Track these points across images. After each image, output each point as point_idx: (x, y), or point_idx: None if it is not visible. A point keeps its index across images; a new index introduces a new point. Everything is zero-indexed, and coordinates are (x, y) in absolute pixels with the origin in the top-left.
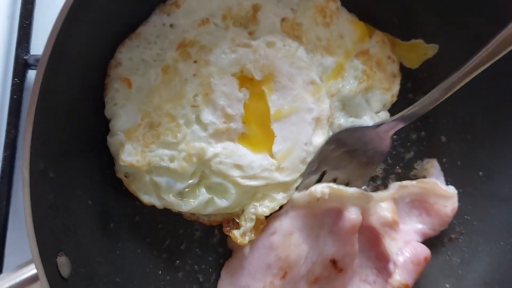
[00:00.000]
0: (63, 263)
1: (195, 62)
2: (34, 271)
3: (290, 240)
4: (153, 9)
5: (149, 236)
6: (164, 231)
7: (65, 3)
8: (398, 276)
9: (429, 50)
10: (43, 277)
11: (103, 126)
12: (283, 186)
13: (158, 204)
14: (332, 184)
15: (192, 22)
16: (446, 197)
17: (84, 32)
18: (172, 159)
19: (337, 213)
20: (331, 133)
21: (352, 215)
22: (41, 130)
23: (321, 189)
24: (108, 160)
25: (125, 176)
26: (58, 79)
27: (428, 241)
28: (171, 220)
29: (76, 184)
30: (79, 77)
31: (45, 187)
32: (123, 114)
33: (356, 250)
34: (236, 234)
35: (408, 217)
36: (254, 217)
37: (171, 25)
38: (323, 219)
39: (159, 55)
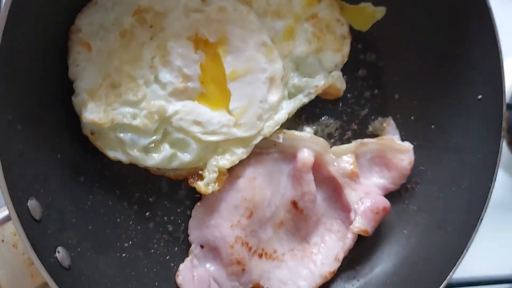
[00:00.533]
0: (35, 206)
1: (151, 26)
2: (6, 212)
3: (254, 183)
4: None
5: (119, 189)
6: (133, 185)
7: None
8: (358, 223)
9: (377, 13)
10: (14, 217)
11: (70, 86)
12: (242, 142)
13: (124, 159)
14: (285, 130)
15: None
16: (403, 152)
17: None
18: (134, 117)
19: (293, 157)
20: (286, 92)
21: (304, 154)
22: (7, 86)
23: (276, 133)
24: (75, 118)
25: (91, 133)
26: (19, 40)
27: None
28: (139, 175)
29: (45, 138)
30: (41, 40)
31: (13, 137)
32: (85, 75)
33: (313, 190)
34: (200, 185)
35: (369, 172)
36: (216, 169)
37: None
38: (282, 165)
39: (117, 20)
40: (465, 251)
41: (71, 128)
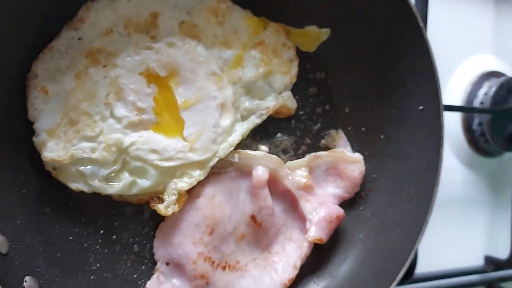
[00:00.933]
0: (1, 241)
1: (104, 66)
2: None
3: (213, 201)
4: (61, 26)
5: (84, 216)
6: (97, 212)
7: None
8: (312, 232)
9: (322, 34)
10: None
11: (30, 128)
12: (199, 165)
13: (86, 189)
14: (240, 150)
15: (97, 33)
16: (353, 163)
17: None
18: (93, 150)
19: (250, 174)
20: (238, 116)
21: (259, 172)
22: None
23: (232, 154)
24: (38, 155)
25: (53, 169)
26: None
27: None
28: (102, 202)
29: (9, 177)
30: (2, 90)
31: None
32: (44, 116)
33: (269, 204)
34: (160, 207)
35: (325, 183)
36: (175, 192)
37: (79, 38)
38: (240, 182)
39: (71, 64)
40: (413, 251)
41: (34, 165)
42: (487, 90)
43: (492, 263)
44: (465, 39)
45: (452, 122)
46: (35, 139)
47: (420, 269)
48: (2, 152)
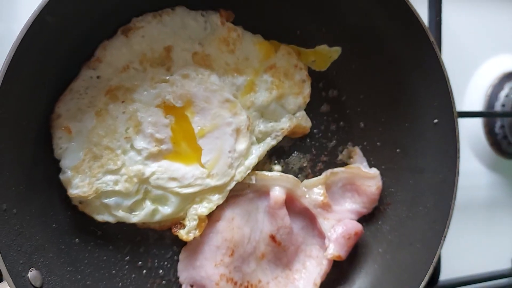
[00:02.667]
0: (35, 276)
1: (122, 102)
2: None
3: (232, 223)
4: (80, 67)
5: (111, 244)
6: (123, 239)
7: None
8: (331, 249)
9: (333, 53)
10: None
11: (57, 166)
12: (217, 189)
13: (111, 220)
14: (257, 172)
15: (114, 70)
16: (370, 178)
17: (22, 96)
18: (116, 183)
19: (266, 194)
20: (254, 139)
21: (276, 192)
22: None
23: (249, 176)
24: (65, 191)
25: (80, 203)
26: (6, 137)
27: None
28: (128, 230)
29: (40, 214)
30: (26, 131)
31: (10, 221)
32: (68, 154)
33: (287, 224)
34: (182, 233)
35: (342, 199)
36: (196, 217)
37: (97, 77)
38: (257, 203)
39: (91, 102)
40: (432, 265)
41: (62, 200)
42: (508, 91)
43: None
44: (485, 39)
45: (474, 126)
46: (61, 176)
47: (445, 276)
48: (32, 190)
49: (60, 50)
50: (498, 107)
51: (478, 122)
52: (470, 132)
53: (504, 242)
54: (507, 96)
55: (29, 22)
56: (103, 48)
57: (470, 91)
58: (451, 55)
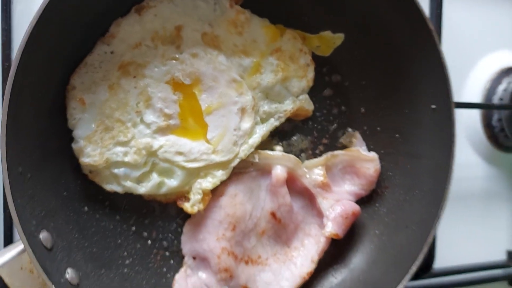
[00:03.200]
0: (46, 237)
1: (134, 77)
2: (22, 246)
3: (235, 199)
4: (95, 42)
5: (118, 214)
6: (130, 210)
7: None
8: (329, 227)
9: (336, 39)
10: (28, 249)
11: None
12: (221, 165)
13: (119, 190)
14: (260, 151)
15: (127, 47)
16: (369, 161)
17: (40, 68)
18: (125, 154)
19: (269, 173)
20: (258, 119)
21: (277, 171)
22: (16, 143)
23: (252, 154)
24: (77, 160)
25: (90, 172)
26: (24, 102)
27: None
28: (134, 202)
29: (52, 181)
30: (42, 100)
31: (24, 185)
32: (81, 125)
33: (288, 201)
34: (186, 206)
35: (342, 181)
36: (200, 191)
37: (111, 52)
38: (260, 181)
39: (105, 76)
40: (425, 246)
41: (73, 169)
42: (506, 86)
43: None
44: (485, 35)
45: (472, 118)
46: (74, 146)
47: (440, 264)
48: (46, 158)
49: (76, 26)
50: (496, 100)
51: (476, 114)
52: (468, 125)
53: (499, 234)
54: (505, 90)
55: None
56: (117, 25)
57: (469, 84)
58: (452, 48)
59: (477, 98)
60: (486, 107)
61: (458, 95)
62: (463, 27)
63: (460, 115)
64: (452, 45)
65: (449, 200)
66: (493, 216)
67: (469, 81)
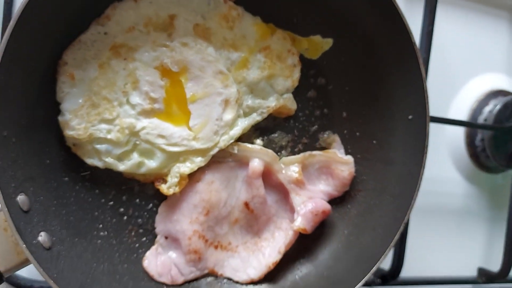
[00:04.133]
0: (24, 200)
1: (124, 59)
2: None
3: (211, 186)
4: (90, 22)
5: (98, 188)
6: (109, 186)
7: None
8: (298, 222)
9: (325, 43)
10: (4, 208)
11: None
12: (200, 152)
13: (100, 164)
14: (240, 143)
15: (121, 29)
16: (344, 164)
17: (33, 41)
18: (109, 132)
19: (246, 165)
20: (241, 112)
21: (254, 163)
22: (2, 109)
23: (232, 145)
24: (62, 132)
25: (73, 145)
26: (14, 72)
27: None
28: (115, 178)
29: (36, 149)
30: (33, 72)
31: (8, 147)
32: (69, 99)
33: (262, 194)
34: (163, 187)
35: (317, 180)
36: (178, 175)
37: (105, 33)
38: (237, 171)
39: (96, 55)
40: (388, 249)
41: (58, 140)
42: (492, 107)
43: (484, 275)
44: (478, 56)
45: (456, 136)
46: (60, 118)
47: (409, 273)
48: (32, 126)
49: (73, 5)
50: (481, 120)
51: (460, 132)
52: (452, 141)
53: (472, 251)
54: (490, 111)
55: None
56: (113, 8)
57: (457, 102)
58: (443, 65)
59: (463, 116)
60: (470, 125)
61: (445, 111)
62: (455, 46)
63: (445, 130)
64: (443, 62)
65: (426, 212)
66: (468, 233)
67: (458, 99)
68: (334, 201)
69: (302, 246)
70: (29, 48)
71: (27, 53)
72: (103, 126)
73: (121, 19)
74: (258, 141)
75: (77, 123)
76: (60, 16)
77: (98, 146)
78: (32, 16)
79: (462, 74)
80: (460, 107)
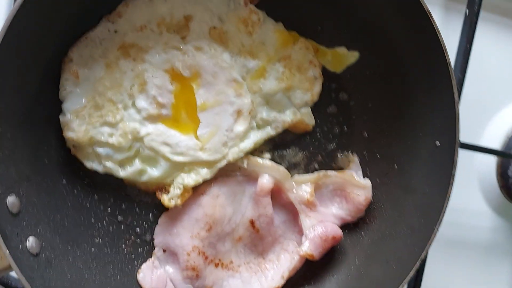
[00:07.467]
0: (13, 202)
1: (133, 59)
2: None
3: (216, 201)
4: (100, 18)
5: (96, 194)
6: (109, 192)
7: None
8: (305, 247)
9: (350, 57)
10: None
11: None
12: (207, 164)
13: (99, 169)
14: (250, 156)
15: (132, 28)
16: (361, 188)
17: (36, 32)
18: (111, 135)
19: (255, 180)
20: (254, 124)
21: (263, 180)
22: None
23: (241, 159)
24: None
25: (73, 146)
26: (13, 66)
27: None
28: (114, 185)
29: (34, 146)
30: (36, 68)
31: (2, 143)
32: (72, 98)
33: (269, 213)
34: (164, 198)
35: (330, 202)
36: (181, 186)
37: (115, 31)
38: (245, 187)
39: (104, 53)
40: (401, 286)
41: (58, 140)
42: None
43: None
44: None
45: (487, 165)
46: (61, 117)
47: None
48: (31, 123)
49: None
50: None
51: (492, 161)
52: (483, 170)
53: (499, 287)
54: None
55: None
56: (125, 4)
57: (491, 128)
58: (478, 87)
59: (496, 144)
60: (503, 155)
61: (477, 138)
62: (494, 67)
63: (475, 159)
64: (478, 85)
65: (447, 245)
66: (495, 269)
67: (491, 125)
68: (347, 227)
69: (309, 272)
70: (30, 40)
71: (27, 45)
72: (105, 129)
73: (133, 17)
74: (267, 155)
75: (77, 124)
76: (67, 9)
77: (99, 150)
78: (34, 6)
79: (498, 99)
80: (493, 134)
